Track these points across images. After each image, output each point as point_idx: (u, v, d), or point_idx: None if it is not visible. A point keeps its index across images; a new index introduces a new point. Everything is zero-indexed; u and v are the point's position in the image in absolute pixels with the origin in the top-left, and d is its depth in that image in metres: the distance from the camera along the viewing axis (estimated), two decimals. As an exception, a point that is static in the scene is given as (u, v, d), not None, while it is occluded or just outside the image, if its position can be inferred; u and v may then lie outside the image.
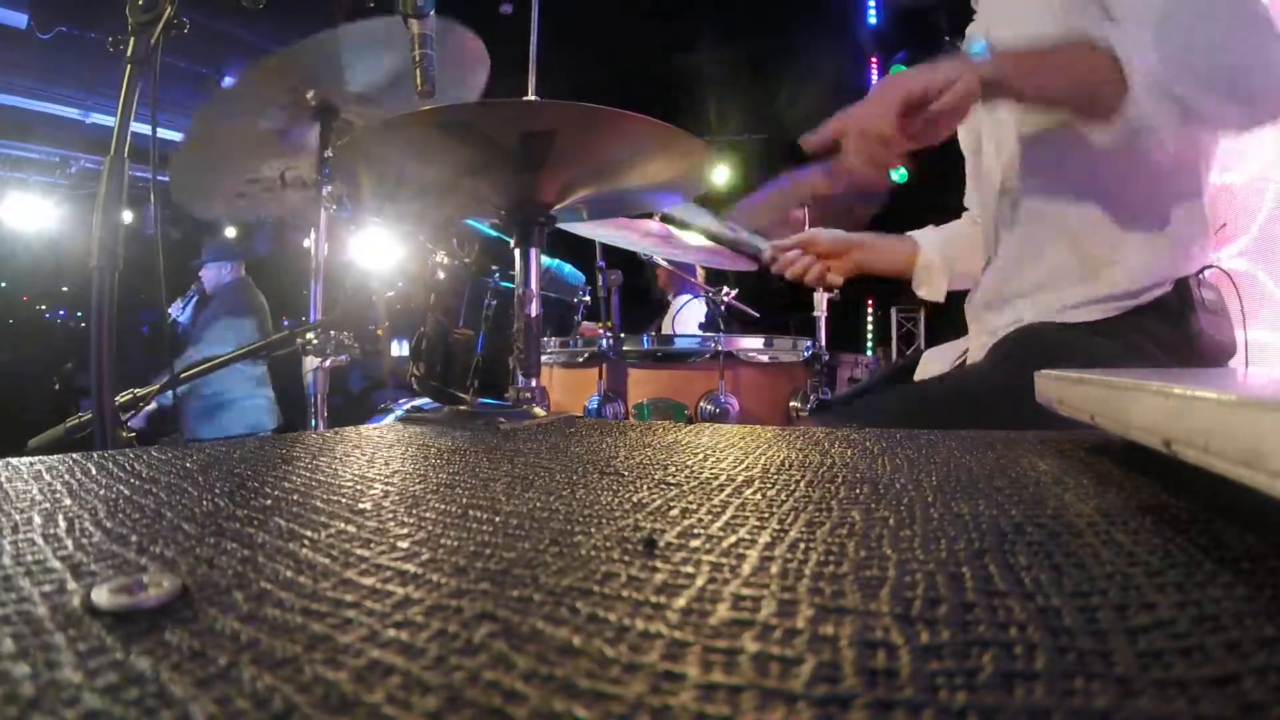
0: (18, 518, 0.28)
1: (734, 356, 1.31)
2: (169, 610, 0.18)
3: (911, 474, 0.37)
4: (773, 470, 0.39)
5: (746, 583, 0.20)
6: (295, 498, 0.32)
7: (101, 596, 0.18)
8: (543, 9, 1.13)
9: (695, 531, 0.25)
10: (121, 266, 0.78)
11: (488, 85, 1.20)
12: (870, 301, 6.26)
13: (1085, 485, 0.33)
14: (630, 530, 0.26)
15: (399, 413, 1.75)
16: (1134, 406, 0.28)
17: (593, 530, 0.26)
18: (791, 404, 1.36)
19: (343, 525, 0.27)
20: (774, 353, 1.36)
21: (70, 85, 4.29)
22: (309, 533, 0.26)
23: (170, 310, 2.85)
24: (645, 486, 0.34)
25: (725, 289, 1.89)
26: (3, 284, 5.26)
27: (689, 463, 0.42)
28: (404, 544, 0.24)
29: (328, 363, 1.19)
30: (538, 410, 0.79)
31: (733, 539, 0.24)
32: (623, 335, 1.33)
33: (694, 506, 0.30)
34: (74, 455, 0.44)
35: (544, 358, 1.39)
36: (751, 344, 1.34)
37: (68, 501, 0.31)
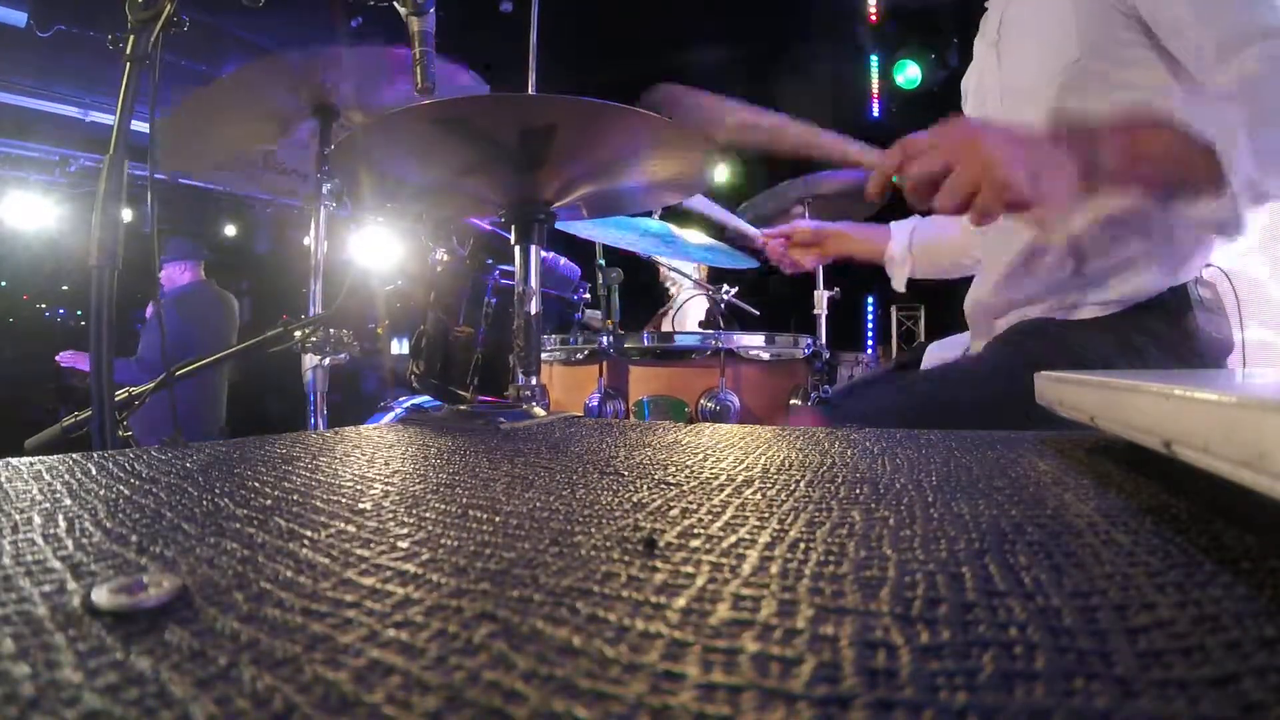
0: (18, 518, 0.28)
1: (734, 354, 1.31)
2: (169, 610, 0.18)
3: (911, 474, 0.37)
4: (773, 470, 0.39)
5: (746, 583, 0.20)
6: (295, 498, 0.32)
7: (101, 596, 0.18)
8: (542, 6, 1.13)
9: (695, 531, 0.25)
10: (121, 265, 0.78)
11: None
12: (870, 299, 6.26)
13: (1085, 485, 0.33)
14: (630, 530, 0.26)
15: (399, 411, 1.75)
16: (1134, 407, 0.28)
17: (593, 530, 0.26)
18: (792, 401, 1.36)
19: (343, 525, 0.27)
20: (775, 350, 1.36)
21: (70, 84, 4.28)
22: (309, 533, 0.26)
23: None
24: (645, 486, 0.34)
25: (725, 287, 1.89)
26: (3, 283, 5.26)
27: (689, 463, 0.42)
28: (404, 544, 0.24)
29: (327, 361, 1.19)
30: (538, 409, 0.79)
31: (733, 539, 0.24)
32: (623, 332, 1.33)
33: (694, 506, 0.30)
34: (74, 455, 0.44)
35: (544, 355, 1.39)
36: (752, 341, 1.34)
37: (68, 501, 0.31)
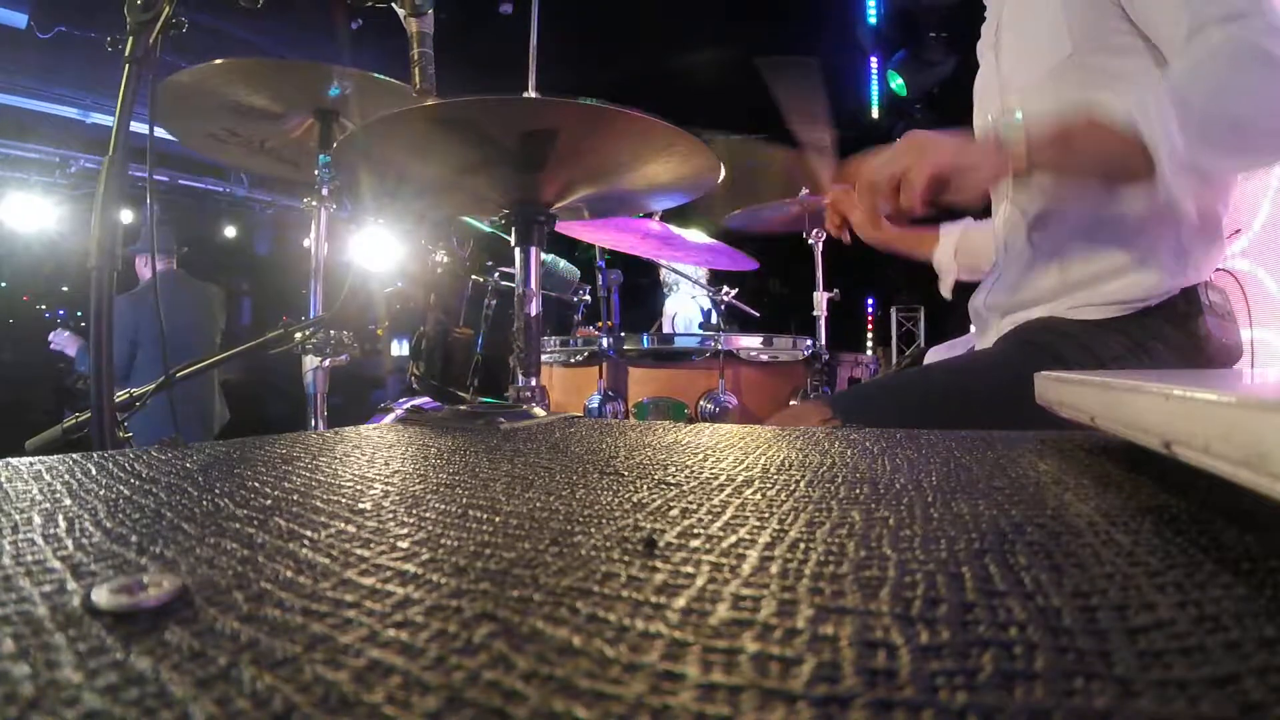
0: (18, 518, 0.28)
1: (734, 355, 1.31)
2: (169, 610, 0.18)
3: (911, 474, 0.37)
4: (773, 470, 0.39)
5: (746, 583, 0.20)
6: (295, 498, 0.32)
7: (101, 596, 0.18)
8: (543, 8, 1.13)
9: (695, 531, 0.25)
10: (121, 267, 0.78)
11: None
12: (870, 300, 6.26)
13: (1085, 485, 0.33)
14: (630, 530, 0.26)
15: (399, 412, 1.75)
16: (1134, 407, 0.28)
17: (593, 530, 0.26)
18: (791, 402, 1.37)
19: (343, 525, 0.27)
20: (774, 352, 1.36)
21: (70, 85, 4.28)
22: (309, 533, 0.26)
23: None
24: (645, 486, 0.34)
25: (725, 288, 1.89)
26: (3, 284, 5.26)
27: (689, 463, 0.42)
28: (404, 544, 0.24)
29: (327, 362, 1.19)
30: (538, 410, 0.79)
31: (733, 539, 0.24)
32: (623, 334, 1.33)
33: (694, 506, 0.30)
34: (74, 455, 0.44)
35: (544, 357, 1.39)
36: (751, 343, 1.34)
37: (68, 501, 0.31)
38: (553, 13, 1.20)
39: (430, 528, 0.26)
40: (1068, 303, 0.92)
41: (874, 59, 5.45)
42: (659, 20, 5.00)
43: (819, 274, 1.83)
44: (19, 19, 3.74)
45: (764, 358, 1.35)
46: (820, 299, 1.83)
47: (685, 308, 2.59)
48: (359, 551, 0.23)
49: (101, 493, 0.33)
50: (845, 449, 0.47)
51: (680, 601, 0.18)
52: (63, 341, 3.02)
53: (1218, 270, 0.92)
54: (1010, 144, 0.78)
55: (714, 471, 0.39)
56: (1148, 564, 0.21)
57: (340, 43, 4.00)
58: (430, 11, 0.81)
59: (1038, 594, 0.18)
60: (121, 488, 0.34)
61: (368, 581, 0.20)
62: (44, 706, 0.13)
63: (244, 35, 3.82)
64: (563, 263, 2.20)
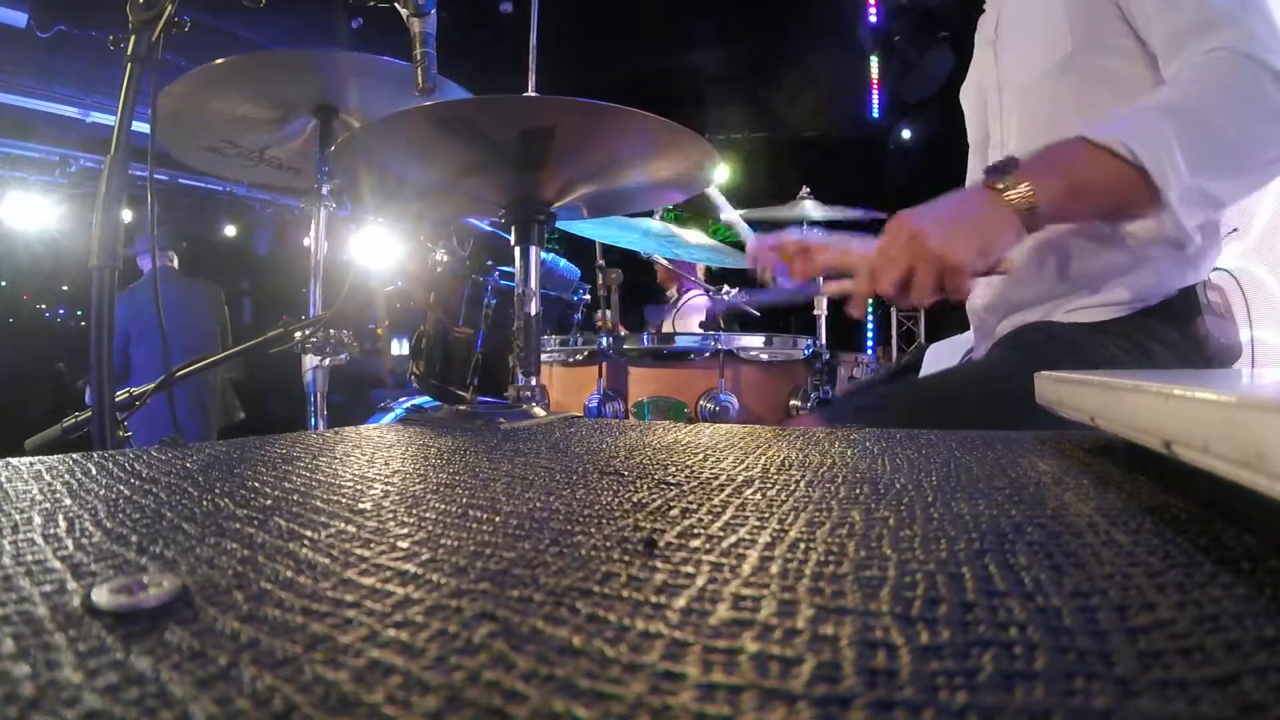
0: (18, 518, 0.28)
1: (734, 355, 1.31)
2: (169, 610, 0.18)
3: (911, 474, 0.37)
4: (773, 470, 0.39)
5: (746, 583, 0.20)
6: (295, 498, 0.32)
7: (101, 596, 0.18)
8: (543, 7, 1.13)
9: (695, 531, 0.25)
10: (121, 266, 0.78)
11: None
12: (870, 300, 6.26)
13: (1085, 485, 0.33)
14: (630, 530, 0.26)
15: (399, 411, 1.75)
16: (1134, 407, 0.28)
17: (593, 530, 0.26)
18: (792, 403, 1.36)
19: (343, 525, 0.27)
20: (774, 351, 1.36)
21: (70, 84, 4.28)
22: (309, 533, 0.26)
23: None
24: (645, 486, 0.34)
25: (726, 287, 1.89)
26: (3, 283, 5.26)
27: (689, 463, 0.42)
28: (404, 544, 0.24)
29: (327, 361, 1.19)
30: (538, 409, 0.79)
31: (733, 539, 0.24)
32: (623, 333, 1.33)
33: (694, 506, 0.30)
34: (74, 455, 0.44)
35: (544, 356, 1.39)
36: (752, 342, 1.34)
37: (68, 501, 0.31)
38: (553, 13, 1.20)
39: (430, 528, 0.26)
40: (1065, 305, 0.92)
41: (874, 59, 5.45)
42: (659, 19, 5.00)
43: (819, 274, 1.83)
44: (19, 18, 3.74)
45: (764, 357, 1.35)
46: (820, 299, 1.83)
47: (696, 306, 2.59)
48: (359, 551, 0.23)
49: (101, 493, 0.33)
50: (845, 449, 0.47)
51: (680, 601, 0.18)
52: None
53: (1216, 269, 0.92)
54: (1014, 198, 0.72)
55: (714, 471, 0.39)
56: (1148, 564, 0.21)
57: (341, 42, 4.00)
58: (433, 11, 0.81)
59: (1038, 594, 0.18)
60: (121, 488, 0.34)
61: (368, 581, 0.20)
62: (44, 706, 0.13)
63: (245, 34, 3.82)
64: (563, 262, 2.20)
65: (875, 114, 5.60)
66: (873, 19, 5.23)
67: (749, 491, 0.33)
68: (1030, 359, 0.87)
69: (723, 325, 1.60)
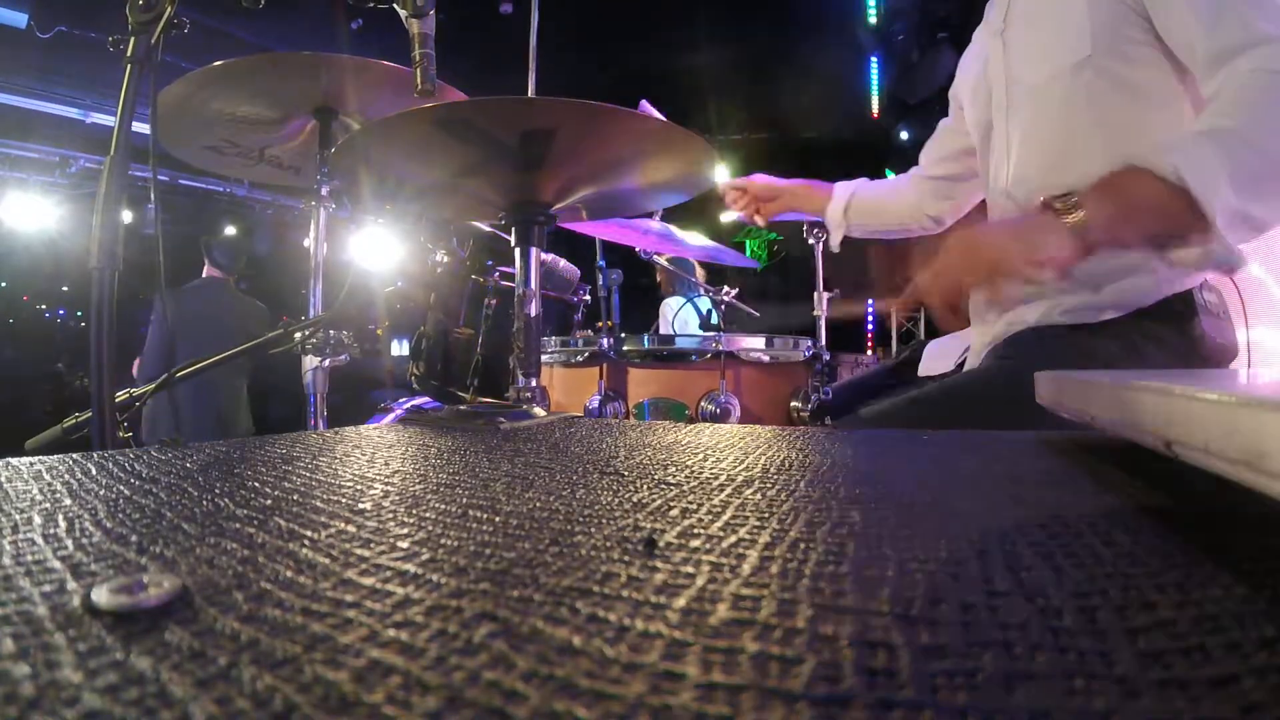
0: (18, 518, 0.28)
1: (735, 356, 1.31)
2: (169, 610, 0.18)
3: (911, 474, 0.37)
4: (773, 470, 0.39)
5: (746, 583, 0.20)
6: (295, 498, 0.32)
7: (101, 596, 0.18)
8: (543, 8, 1.13)
9: (695, 531, 0.25)
10: (121, 267, 0.78)
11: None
12: (870, 300, 6.26)
13: (1085, 485, 0.33)
14: (630, 530, 0.26)
15: (399, 412, 1.75)
16: (1134, 407, 0.28)
17: (593, 530, 0.26)
18: (793, 404, 1.36)
19: (343, 525, 0.27)
20: (775, 352, 1.36)
21: (70, 85, 4.28)
22: (309, 533, 0.26)
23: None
24: (645, 486, 0.34)
25: (725, 288, 1.89)
26: (3, 283, 5.26)
27: (689, 463, 0.42)
28: (404, 544, 0.24)
29: (327, 362, 1.19)
30: (538, 410, 0.79)
31: (733, 539, 0.24)
32: (623, 334, 1.33)
33: (694, 506, 0.30)
34: (74, 455, 0.44)
35: (544, 357, 1.39)
36: (752, 343, 1.34)
37: (68, 501, 0.31)
38: (553, 14, 1.20)
39: (430, 528, 0.26)
40: (1064, 304, 0.92)
41: (874, 59, 5.44)
42: (659, 19, 5.00)
43: (819, 274, 1.83)
44: (19, 19, 3.75)
45: (765, 358, 1.35)
46: (820, 299, 1.83)
47: (691, 313, 2.59)
48: (359, 551, 0.23)
49: (101, 493, 0.33)
50: (845, 449, 0.47)
51: (680, 601, 0.18)
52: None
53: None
54: (1070, 222, 0.72)
55: (714, 471, 0.39)
56: (1148, 564, 0.21)
57: (341, 43, 4.00)
58: (432, 13, 0.81)
59: (1038, 594, 0.18)
60: (121, 488, 0.34)
61: (368, 581, 0.20)
62: (44, 706, 0.13)
63: (245, 36, 3.82)
64: (563, 262, 2.19)
65: (875, 114, 5.60)
66: (873, 19, 5.23)
67: (749, 491, 0.33)
68: (1026, 367, 0.87)
69: (723, 326, 1.60)
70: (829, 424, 1.24)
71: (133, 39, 0.82)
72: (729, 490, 0.33)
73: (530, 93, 1.11)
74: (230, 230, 5.27)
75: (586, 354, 1.35)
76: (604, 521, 0.27)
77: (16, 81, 4.14)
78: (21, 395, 4.33)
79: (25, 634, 0.16)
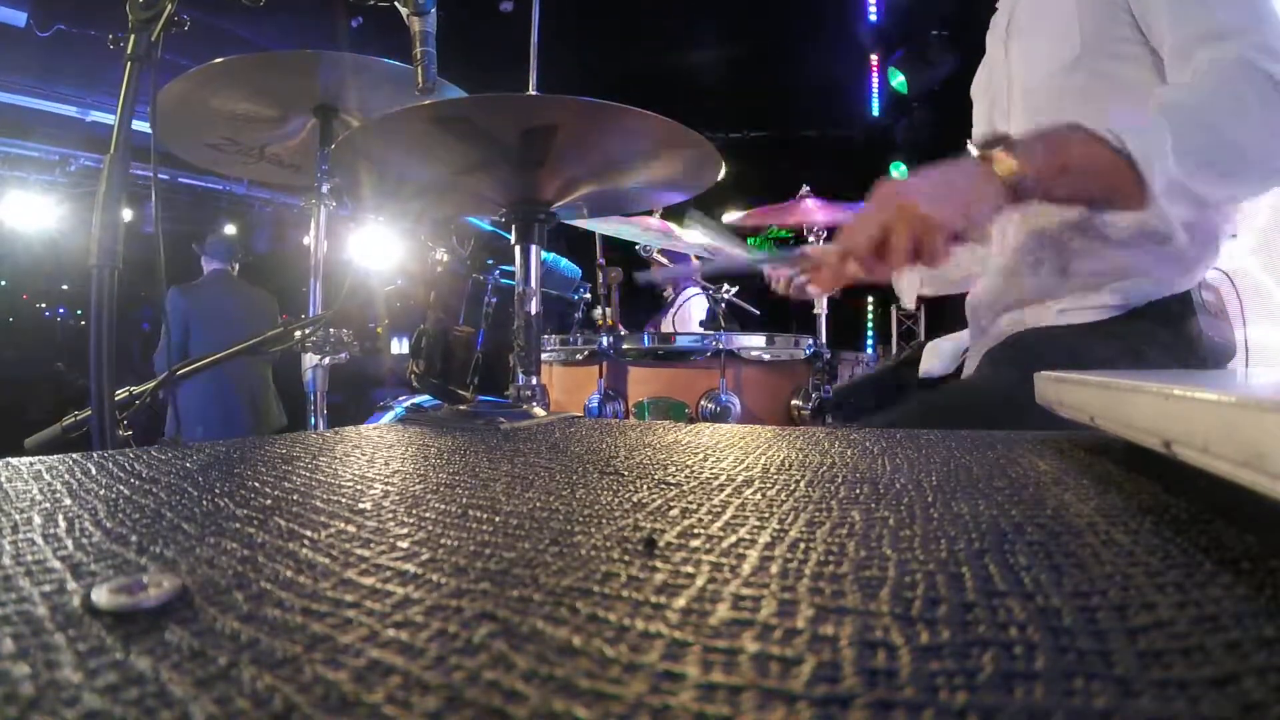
0: (18, 518, 0.28)
1: (735, 355, 1.31)
2: (169, 610, 0.18)
3: (911, 474, 0.37)
4: (773, 470, 0.39)
5: (746, 583, 0.20)
6: (295, 498, 0.32)
7: (101, 596, 0.18)
8: (543, 5, 1.13)
9: (695, 531, 0.25)
10: (121, 265, 0.78)
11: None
12: (870, 299, 6.26)
13: (1085, 485, 0.33)
14: (630, 530, 0.26)
15: (399, 410, 1.75)
16: (1134, 407, 0.28)
17: (593, 530, 0.26)
18: (793, 402, 1.36)
19: (343, 525, 0.27)
20: (775, 351, 1.36)
21: (70, 83, 4.28)
22: (309, 533, 0.26)
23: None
24: (645, 486, 0.34)
25: (726, 286, 1.89)
26: (2, 282, 5.26)
27: (689, 463, 0.42)
28: (404, 544, 0.24)
29: (327, 361, 1.19)
30: (538, 409, 0.79)
31: (733, 539, 0.24)
32: (623, 333, 1.33)
33: (694, 506, 0.30)
34: (74, 455, 0.44)
35: (544, 355, 1.39)
36: (753, 342, 1.34)
37: (68, 501, 0.31)
38: (554, 11, 1.20)
39: (430, 528, 0.26)
40: (1061, 304, 0.92)
41: (874, 58, 5.44)
42: (660, 18, 5.00)
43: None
44: (18, 17, 3.74)
45: (765, 357, 1.35)
46: (821, 298, 1.83)
47: (695, 306, 2.58)
48: (359, 551, 0.23)
49: (101, 493, 0.33)
50: (845, 449, 0.47)
51: (680, 601, 0.18)
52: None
53: (1211, 269, 0.92)
54: (1001, 168, 0.72)
55: (714, 471, 0.39)
56: (1148, 564, 0.21)
57: (341, 41, 4.00)
58: (433, 10, 0.81)
59: (1038, 594, 0.18)
60: (121, 488, 0.34)
61: (368, 581, 0.20)
62: (44, 706, 0.13)
63: (244, 34, 3.82)
64: (563, 261, 2.20)
65: (876, 113, 5.60)
66: (873, 18, 5.22)
67: (749, 491, 0.33)
68: (1024, 368, 0.87)
69: (723, 325, 1.60)
70: (829, 423, 1.25)
71: (132, 37, 0.82)
72: (729, 490, 0.33)
73: (531, 90, 1.10)
74: (229, 229, 5.28)
75: (586, 352, 1.35)
76: (604, 521, 0.27)
77: (15, 80, 4.14)
78: (21, 395, 4.33)
79: (25, 634, 0.16)
